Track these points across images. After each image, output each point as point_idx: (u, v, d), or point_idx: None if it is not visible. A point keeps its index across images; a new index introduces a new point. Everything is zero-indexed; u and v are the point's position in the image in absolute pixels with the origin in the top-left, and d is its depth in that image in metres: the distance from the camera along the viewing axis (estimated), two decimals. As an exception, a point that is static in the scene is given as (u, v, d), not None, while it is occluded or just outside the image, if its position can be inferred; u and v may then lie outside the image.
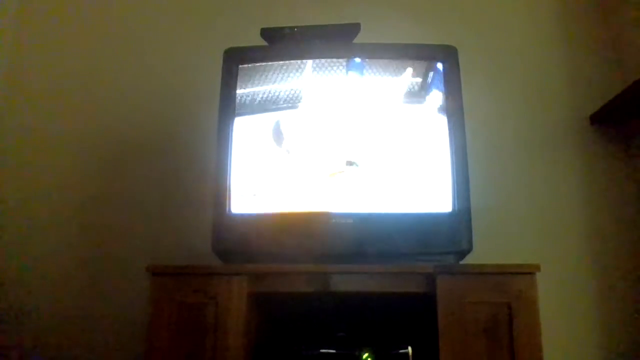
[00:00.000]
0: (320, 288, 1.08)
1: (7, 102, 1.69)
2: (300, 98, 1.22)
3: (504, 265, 1.07)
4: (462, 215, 1.14)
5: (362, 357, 1.16)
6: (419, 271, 1.08)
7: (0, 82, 1.70)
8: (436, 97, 1.22)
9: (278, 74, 1.23)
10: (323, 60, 1.24)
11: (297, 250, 1.11)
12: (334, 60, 1.24)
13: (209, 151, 1.25)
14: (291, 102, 1.22)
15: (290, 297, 1.16)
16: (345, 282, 1.09)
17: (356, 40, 1.31)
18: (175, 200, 1.57)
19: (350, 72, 1.23)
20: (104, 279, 1.53)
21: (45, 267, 1.55)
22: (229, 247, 1.15)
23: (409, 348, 1.16)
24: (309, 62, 1.23)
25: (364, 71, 1.24)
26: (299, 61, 1.24)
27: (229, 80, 1.22)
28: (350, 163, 1.19)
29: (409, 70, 1.22)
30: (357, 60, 1.24)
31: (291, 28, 1.31)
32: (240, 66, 1.23)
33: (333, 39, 1.30)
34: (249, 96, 1.22)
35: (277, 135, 1.20)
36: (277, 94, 1.22)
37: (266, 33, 1.31)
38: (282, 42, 1.30)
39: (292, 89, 1.22)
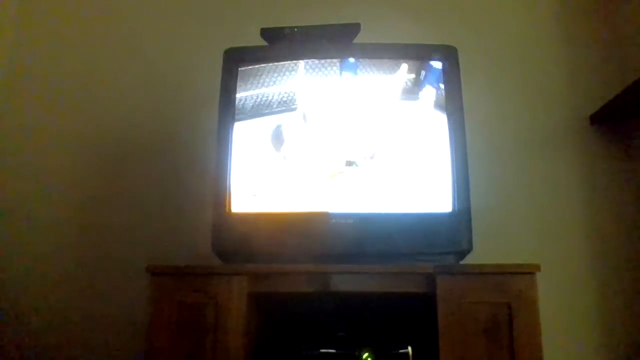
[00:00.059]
0: (320, 288, 1.08)
1: (7, 102, 1.69)
2: (301, 99, 1.22)
3: (504, 265, 1.07)
4: (462, 215, 1.14)
5: (362, 357, 1.16)
6: (419, 271, 1.08)
7: (0, 82, 1.70)
8: (437, 97, 1.22)
9: (278, 75, 1.23)
10: (323, 61, 1.24)
11: (297, 250, 1.11)
12: (334, 60, 1.24)
13: (209, 151, 1.25)
14: (291, 104, 1.22)
15: (290, 297, 1.16)
16: (345, 282, 1.09)
17: (356, 40, 1.31)
18: (175, 200, 1.57)
19: (349, 72, 1.23)
20: (104, 279, 1.53)
21: (45, 267, 1.55)
22: (229, 247, 1.15)
23: (409, 348, 1.16)
24: (309, 62, 1.23)
25: (363, 71, 1.23)
26: (298, 61, 1.24)
27: (229, 81, 1.22)
28: (350, 163, 1.19)
29: (406, 69, 1.22)
30: (356, 60, 1.24)
31: (291, 28, 1.31)
32: (240, 68, 1.23)
33: (333, 39, 1.30)
34: (248, 99, 1.22)
35: (277, 139, 1.20)
36: (276, 96, 1.22)
37: (266, 33, 1.31)
38: (282, 42, 1.30)
39: (292, 90, 1.22)
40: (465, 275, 1.06)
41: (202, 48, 1.66)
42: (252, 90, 1.22)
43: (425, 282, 1.06)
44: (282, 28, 1.31)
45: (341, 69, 1.24)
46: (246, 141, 1.21)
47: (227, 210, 1.16)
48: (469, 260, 1.16)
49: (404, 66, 1.22)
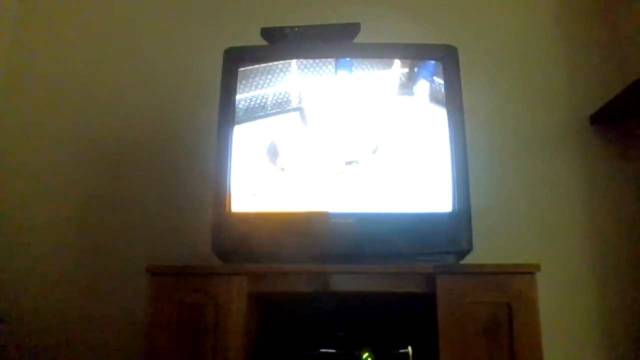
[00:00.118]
0: (320, 288, 1.08)
1: (6, 102, 1.69)
2: (301, 99, 1.22)
3: (504, 265, 1.07)
4: (462, 215, 1.14)
5: (362, 357, 1.16)
6: (419, 271, 1.08)
7: (0, 82, 1.70)
8: (431, 90, 1.22)
9: (278, 75, 1.23)
10: (322, 60, 1.24)
11: (297, 250, 1.11)
12: (334, 60, 1.24)
13: (209, 151, 1.25)
14: (291, 104, 1.22)
15: (290, 297, 1.16)
16: (345, 282, 1.09)
17: (356, 40, 1.31)
18: (175, 200, 1.57)
19: (347, 71, 1.23)
20: (104, 279, 1.53)
21: (45, 267, 1.55)
22: (229, 247, 1.15)
23: (409, 348, 1.16)
24: (309, 62, 1.23)
25: (361, 69, 1.23)
26: (298, 61, 1.24)
27: (229, 81, 1.22)
28: (350, 162, 1.19)
29: (399, 64, 1.22)
30: (356, 60, 1.24)
31: (291, 28, 1.31)
32: (240, 69, 1.23)
33: (333, 39, 1.30)
34: (248, 100, 1.22)
35: (272, 154, 1.19)
36: (276, 96, 1.22)
37: (266, 33, 1.31)
38: (282, 42, 1.30)
39: (292, 91, 1.22)
40: (465, 275, 1.06)
41: (202, 48, 1.66)
42: (252, 91, 1.22)
43: (425, 282, 1.06)
44: (282, 28, 1.31)
45: (340, 68, 1.23)
46: (246, 141, 1.21)
47: (227, 210, 1.16)
48: (469, 260, 1.16)
49: (397, 62, 1.22)
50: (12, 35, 1.74)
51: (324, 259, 1.10)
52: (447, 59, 1.23)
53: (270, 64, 1.23)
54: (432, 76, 1.22)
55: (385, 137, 1.20)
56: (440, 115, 1.20)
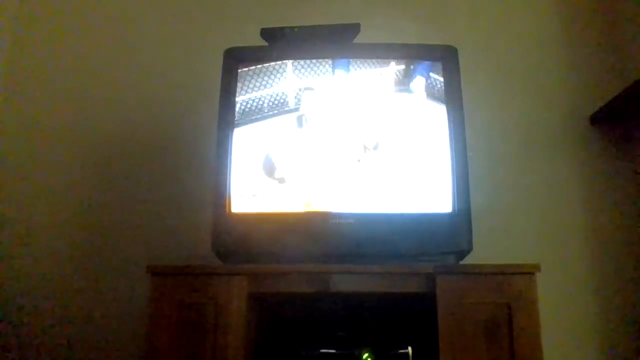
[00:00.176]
0: (320, 288, 1.08)
1: (6, 102, 1.69)
2: (301, 99, 1.22)
3: (504, 265, 1.07)
4: (462, 216, 1.14)
5: (362, 357, 1.16)
6: (419, 271, 1.08)
7: (0, 82, 1.70)
8: (427, 87, 1.22)
9: (278, 75, 1.23)
10: (322, 61, 1.24)
11: (297, 250, 1.11)
12: (333, 60, 1.24)
13: (209, 151, 1.25)
14: (291, 105, 1.22)
15: (290, 297, 1.16)
16: (345, 282, 1.09)
17: (356, 40, 1.31)
18: (175, 200, 1.57)
19: (348, 72, 1.23)
20: (104, 279, 1.53)
21: (45, 267, 1.55)
22: (229, 247, 1.15)
23: (409, 348, 1.16)
24: (308, 62, 1.23)
25: (360, 68, 1.23)
26: (298, 62, 1.23)
27: (229, 81, 1.22)
28: (350, 161, 1.19)
29: (403, 66, 1.23)
30: (355, 60, 1.24)
31: (291, 28, 1.31)
32: (240, 70, 1.23)
33: (333, 39, 1.30)
34: (248, 100, 1.22)
35: (269, 168, 1.19)
36: (276, 97, 1.22)
37: (266, 33, 1.31)
38: (282, 42, 1.30)
39: (292, 91, 1.22)
40: (465, 275, 1.06)
41: (202, 48, 1.66)
42: (252, 92, 1.22)
43: (425, 282, 1.06)
44: (282, 28, 1.31)
45: (339, 68, 1.23)
46: (246, 142, 1.21)
47: (227, 210, 1.16)
48: (469, 260, 1.16)
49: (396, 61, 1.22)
50: (12, 35, 1.74)
51: (324, 259, 1.10)
52: (447, 59, 1.23)
53: (270, 64, 1.23)
54: (428, 73, 1.22)
55: (384, 137, 1.20)
56: (438, 113, 1.20)
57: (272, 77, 1.23)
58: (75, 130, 1.66)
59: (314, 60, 1.23)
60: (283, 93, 1.22)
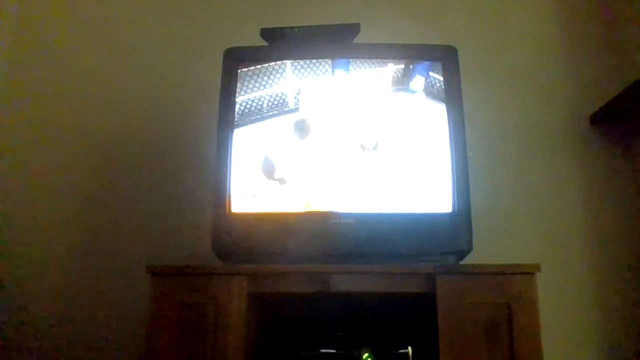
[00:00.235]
0: (320, 288, 1.08)
1: (6, 102, 1.69)
2: (301, 99, 1.22)
3: (504, 265, 1.07)
4: (462, 216, 1.14)
5: (362, 357, 1.16)
6: (419, 271, 1.08)
7: (0, 82, 1.70)
8: (427, 86, 1.22)
9: (278, 75, 1.23)
10: (322, 61, 1.24)
11: (297, 250, 1.11)
12: (333, 60, 1.24)
13: (209, 151, 1.25)
14: (291, 105, 1.22)
15: (290, 297, 1.16)
16: (345, 282, 1.09)
17: (356, 40, 1.31)
18: (175, 200, 1.57)
19: (347, 72, 1.23)
20: (104, 279, 1.53)
21: (46, 267, 1.55)
22: (229, 247, 1.15)
23: (409, 348, 1.16)
24: (308, 62, 1.23)
25: (361, 70, 1.23)
26: (298, 62, 1.23)
27: (229, 81, 1.22)
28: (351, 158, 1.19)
29: (403, 65, 1.23)
30: (354, 60, 1.24)
31: (291, 28, 1.31)
32: (240, 70, 1.23)
33: (333, 39, 1.30)
34: (248, 101, 1.22)
35: (268, 168, 1.19)
36: (275, 98, 1.22)
37: (266, 33, 1.31)
38: (282, 42, 1.30)
39: (292, 92, 1.22)
40: (465, 275, 1.06)
41: (202, 48, 1.66)
42: (252, 93, 1.22)
43: (425, 282, 1.06)
44: (282, 28, 1.31)
45: (338, 68, 1.23)
46: (246, 142, 1.21)
47: (227, 210, 1.16)
48: (469, 260, 1.16)
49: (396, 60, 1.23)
50: (12, 35, 1.74)
51: (324, 259, 1.10)
52: (447, 59, 1.23)
53: (270, 64, 1.23)
54: (428, 72, 1.22)
55: (384, 137, 1.20)
56: (438, 112, 1.20)
57: (272, 77, 1.23)
58: (76, 130, 1.66)
59: (313, 60, 1.23)
60: (282, 93, 1.22)
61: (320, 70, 1.23)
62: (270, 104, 1.22)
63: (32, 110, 1.69)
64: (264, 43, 1.31)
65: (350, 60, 1.24)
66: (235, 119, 1.21)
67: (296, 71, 1.23)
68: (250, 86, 1.22)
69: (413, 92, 1.22)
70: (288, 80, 1.23)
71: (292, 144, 1.20)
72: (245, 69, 1.23)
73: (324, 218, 1.14)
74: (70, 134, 1.66)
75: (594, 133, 1.56)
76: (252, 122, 1.22)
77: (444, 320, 1.02)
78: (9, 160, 1.64)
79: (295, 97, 1.22)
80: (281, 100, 1.22)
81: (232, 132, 1.20)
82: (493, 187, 1.49)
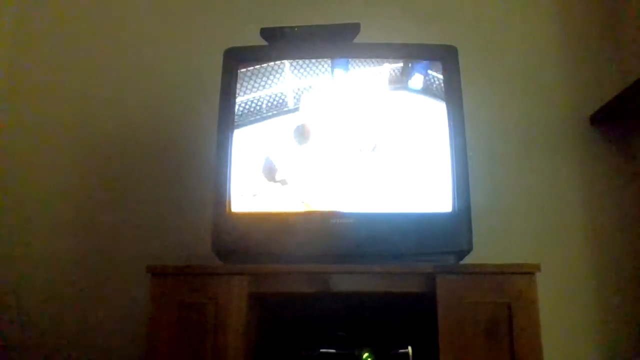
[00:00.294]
0: (320, 288, 1.08)
1: (6, 102, 1.69)
2: (300, 100, 1.22)
3: (504, 265, 1.07)
4: (462, 215, 1.14)
5: (362, 357, 1.16)
6: (419, 271, 1.08)
7: (0, 82, 1.70)
8: (425, 84, 1.22)
9: (277, 76, 1.23)
10: (321, 61, 1.24)
11: (297, 250, 1.11)
12: (333, 60, 1.23)
13: (209, 151, 1.25)
14: (291, 106, 1.22)
15: (290, 297, 1.16)
16: (345, 282, 1.09)
17: (356, 40, 1.31)
18: (175, 200, 1.57)
19: (347, 72, 1.23)
20: (104, 279, 1.53)
21: (45, 268, 1.55)
22: (229, 247, 1.15)
23: (409, 348, 1.16)
24: (308, 62, 1.23)
25: (361, 69, 1.23)
26: (298, 61, 1.23)
27: (229, 81, 1.22)
28: (351, 158, 1.19)
29: (402, 63, 1.23)
30: (354, 60, 1.24)
31: (291, 28, 1.31)
32: (240, 70, 1.23)
33: (333, 39, 1.30)
34: (248, 101, 1.22)
35: (270, 169, 1.19)
36: (275, 98, 1.22)
37: (266, 33, 1.31)
38: (282, 42, 1.30)
39: (292, 92, 1.22)
40: (465, 275, 1.06)
41: (202, 48, 1.66)
42: (252, 93, 1.22)
43: (425, 282, 1.06)
44: (282, 28, 1.31)
45: (338, 68, 1.23)
46: (246, 142, 1.21)
47: (227, 210, 1.16)
48: (469, 260, 1.16)
49: (415, 75, 1.23)
50: (12, 35, 1.74)
51: (324, 259, 1.10)
52: (447, 59, 1.23)
53: (270, 64, 1.23)
54: (426, 70, 1.22)
55: (383, 138, 1.20)
56: (438, 110, 1.20)
57: (273, 77, 1.23)
58: (76, 131, 1.66)
59: (313, 60, 1.23)
60: (282, 93, 1.22)
61: (320, 70, 1.23)
62: (270, 104, 1.22)
63: (32, 110, 1.69)
64: (264, 43, 1.31)
65: (350, 60, 1.24)
66: (236, 119, 1.21)
67: (295, 71, 1.23)
68: (250, 86, 1.22)
69: (412, 90, 1.22)
70: (288, 80, 1.23)
71: (292, 146, 1.20)
72: (245, 69, 1.23)
73: (324, 218, 1.14)
74: (70, 134, 1.66)
75: (594, 133, 1.56)
76: (252, 122, 1.22)
77: (444, 320, 1.02)
78: (9, 160, 1.64)
79: (294, 98, 1.22)
80: (280, 101, 1.22)
81: (232, 132, 1.20)
82: (493, 187, 1.49)
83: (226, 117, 1.21)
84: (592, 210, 1.51)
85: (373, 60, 1.23)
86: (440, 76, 1.22)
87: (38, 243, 1.57)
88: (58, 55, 1.73)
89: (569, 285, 1.46)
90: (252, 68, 1.23)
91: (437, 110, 1.20)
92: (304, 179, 1.19)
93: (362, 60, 1.23)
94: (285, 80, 1.23)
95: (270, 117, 1.22)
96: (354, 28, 1.31)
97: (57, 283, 1.54)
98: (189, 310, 1.06)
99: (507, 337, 1.01)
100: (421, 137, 1.20)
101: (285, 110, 1.22)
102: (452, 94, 1.21)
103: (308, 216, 1.16)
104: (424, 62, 1.24)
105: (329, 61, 1.24)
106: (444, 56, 1.23)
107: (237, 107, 1.21)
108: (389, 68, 1.23)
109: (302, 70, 1.23)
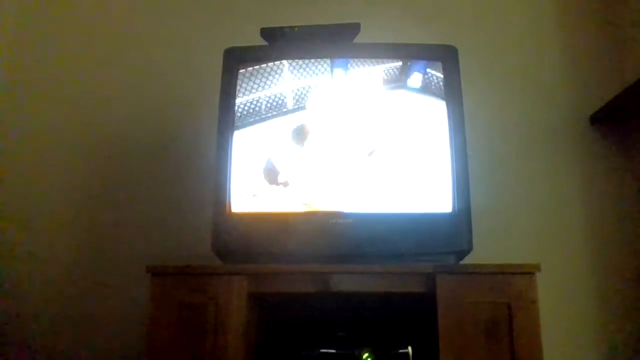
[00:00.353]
0: (320, 288, 1.08)
1: (6, 102, 1.69)
2: (300, 101, 1.22)
3: (504, 265, 1.07)
4: (462, 216, 1.14)
5: (362, 357, 1.16)
6: (419, 271, 1.08)
7: (0, 83, 1.70)
8: (424, 82, 1.22)
9: (277, 76, 1.23)
10: (322, 61, 1.24)
11: (297, 250, 1.11)
12: (332, 60, 1.23)
13: (209, 151, 1.25)
14: (291, 107, 1.22)
15: (290, 297, 1.16)
16: (345, 282, 1.09)
17: (356, 40, 1.31)
18: (175, 200, 1.57)
19: (348, 72, 1.23)
20: (104, 279, 1.53)
21: (46, 267, 1.55)
22: (229, 247, 1.15)
23: (409, 348, 1.16)
24: (308, 62, 1.23)
25: (360, 69, 1.23)
26: (298, 61, 1.23)
27: (229, 81, 1.22)
28: (351, 159, 1.19)
29: (401, 62, 1.23)
30: (354, 60, 1.24)
31: (291, 28, 1.31)
32: (240, 70, 1.23)
33: (333, 39, 1.30)
34: (247, 102, 1.22)
35: (271, 172, 1.19)
36: (275, 99, 1.22)
37: (266, 33, 1.31)
38: (282, 42, 1.30)
39: (291, 92, 1.22)
40: (465, 275, 1.06)
41: (202, 48, 1.66)
42: (252, 94, 1.22)
43: (425, 282, 1.06)
44: (282, 28, 1.31)
45: (338, 68, 1.23)
46: (246, 142, 1.21)
47: (227, 210, 1.16)
48: (469, 260, 1.16)
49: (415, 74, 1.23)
50: (13, 35, 1.74)
51: (324, 259, 1.10)
52: (447, 59, 1.23)
53: (271, 64, 1.23)
54: (425, 68, 1.22)
55: (382, 140, 1.20)
56: (437, 109, 1.20)
57: (273, 77, 1.23)
58: (76, 131, 1.66)
59: (313, 60, 1.23)
60: (281, 94, 1.22)
61: (320, 70, 1.23)
62: (270, 104, 1.22)
63: (32, 110, 1.69)
64: (264, 43, 1.31)
65: (350, 60, 1.24)
66: (236, 119, 1.21)
67: (295, 71, 1.23)
68: (248, 88, 1.22)
69: (411, 89, 1.22)
70: (287, 80, 1.23)
71: (291, 148, 1.20)
72: (245, 69, 1.23)
73: (324, 218, 1.14)
74: (70, 134, 1.66)
75: (594, 133, 1.56)
76: (251, 123, 1.21)
77: (444, 320, 1.02)
78: (9, 161, 1.64)
79: (294, 98, 1.22)
80: (280, 101, 1.22)
81: (232, 132, 1.20)
82: (493, 187, 1.49)
83: (226, 117, 1.21)
84: (592, 210, 1.51)
85: (373, 60, 1.23)
86: (439, 74, 1.22)
87: (38, 243, 1.57)
88: (58, 55, 1.73)
89: (569, 285, 1.46)
90: (250, 69, 1.23)
91: (437, 109, 1.20)
92: (305, 180, 1.19)
93: (363, 61, 1.23)
94: (285, 80, 1.23)
95: (270, 117, 1.22)
96: (354, 28, 1.31)
97: (57, 283, 1.54)
98: (189, 310, 1.06)
99: (507, 337, 1.01)
100: (421, 137, 1.20)
101: (284, 111, 1.22)
102: (452, 94, 1.21)
103: (308, 216, 1.16)
104: (423, 61, 1.24)
105: (329, 61, 1.23)
106: (444, 56, 1.23)
107: (237, 107, 1.21)
108: (388, 67, 1.23)
109: (301, 70, 1.23)
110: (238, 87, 1.22)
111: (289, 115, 1.22)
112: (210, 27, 1.70)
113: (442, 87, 1.21)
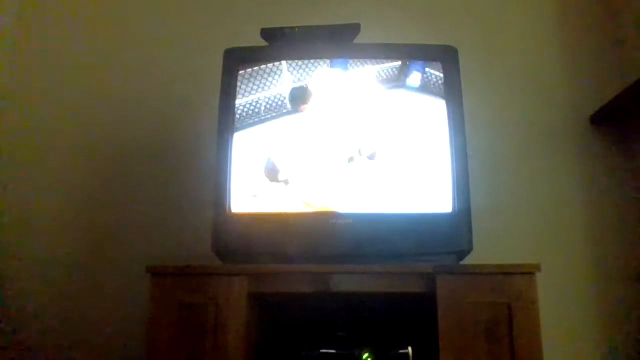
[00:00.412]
0: (320, 288, 1.08)
1: (6, 102, 1.69)
2: (301, 99, 1.22)
3: (504, 265, 1.07)
4: (462, 216, 1.14)
5: (362, 357, 1.16)
6: (418, 271, 1.08)
7: (1, 83, 1.70)
8: (423, 81, 1.22)
9: (274, 77, 1.23)
10: (321, 61, 1.24)
11: (296, 250, 1.11)
12: (334, 60, 1.23)
13: (209, 151, 1.25)
14: (290, 107, 1.22)
15: (290, 297, 1.16)
16: (346, 282, 1.09)
17: (356, 40, 1.31)
18: (176, 201, 1.57)
19: (348, 72, 1.23)
20: (103, 279, 1.53)
21: (46, 268, 1.55)
22: (229, 247, 1.15)
23: (409, 348, 1.16)
24: (308, 62, 1.23)
25: (360, 69, 1.23)
26: (298, 62, 1.23)
27: (229, 81, 1.22)
28: (351, 159, 1.19)
29: (400, 62, 1.23)
30: (354, 60, 1.24)
31: (291, 28, 1.31)
32: (240, 70, 1.23)
33: (333, 39, 1.30)
34: (247, 102, 1.22)
35: (272, 171, 1.19)
36: (275, 99, 1.22)
37: (266, 33, 1.31)
38: (282, 42, 1.30)
39: (292, 92, 1.22)
40: (465, 275, 1.06)
41: (202, 48, 1.66)
42: (252, 95, 1.22)
43: (425, 282, 1.06)
44: (282, 28, 1.31)
45: (338, 68, 1.23)
46: (246, 143, 1.21)
47: (227, 210, 1.16)
48: (469, 260, 1.16)
49: (415, 73, 1.23)
50: (13, 35, 1.74)
51: (324, 259, 1.10)
52: (447, 59, 1.23)
53: (271, 64, 1.23)
54: (424, 68, 1.22)
55: (384, 137, 1.20)
56: (437, 109, 1.20)
57: (273, 77, 1.23)
58: (76, 131, 1.66)
59: (312, 60, 1.23)
60: (281, 94, 1.22)
61: (320, 71, 1.23)
62: (269, 105, 1.22)
63: (33, 111, 1.69)
64: (264, 43, 1.31)
65: (350, 60, 1.24)
66: (235, 119, 1.21)
67: (295, 71, 1.23)
68: (248, 89, 1.22)
69: (410, 88, 1.22)
70: (288, 81, 1.23)
71: (292, 144, 1.20)
72: (244, 70, 1.23)
73: (324, 218, 1.14)
74: (70, 134, 1.66)
75: (594, 133, 1.56)
76: (251, 124, 1.21)
77: (444, 320, 1.02)
78: (10, 160, 1.64)
79: (297, 97, 1.22)
80: (280, 102, 1.22)
81: (232, 132, 1.20)
82: (493, 187, 1.49)
83: (226, 117, 1.21)
84: (592, 210, 1.51)
85: (373, 60, 1.23)
86: (438, 73, 1.22)
87: (38, 243, 1.57)
88: (58, 55, 1.73)
89: (569, 285, 1.46)
90: (249, 70, 1.23)
91: (436, 108, 1.20)
92: (305, 180, 1.19)
93: (363, 61, 1.23)
94: (284, 81, 1.23)
95: (270, 118, 1.22)
96: (354, 28, 1.31)
97: (57, 283, 1.54)
98: (189, 310, 1.06)
99: (507, 337, 1.01)
100: (421, 137, 1.20)
101: (284, 112, 1.22)
102: (452, 94, 1.21)
103: (308, 216, 1.16)
104: (423, 61, 1.24)
105: (329, 61, 1.23)
106: (444, 56, 1.23)
107: (237, 107, 1.21)
108: (388, 67, 1.23)
109: (301, 70, 1.23)
110: (238, 87, 1.22)
111: (289, 116, 1.21)
112: (210, 27, 1.70)
113: (441, 86, 1.21)
